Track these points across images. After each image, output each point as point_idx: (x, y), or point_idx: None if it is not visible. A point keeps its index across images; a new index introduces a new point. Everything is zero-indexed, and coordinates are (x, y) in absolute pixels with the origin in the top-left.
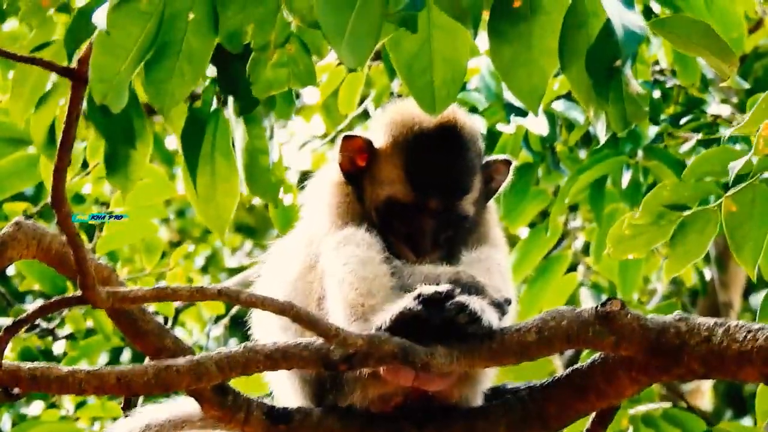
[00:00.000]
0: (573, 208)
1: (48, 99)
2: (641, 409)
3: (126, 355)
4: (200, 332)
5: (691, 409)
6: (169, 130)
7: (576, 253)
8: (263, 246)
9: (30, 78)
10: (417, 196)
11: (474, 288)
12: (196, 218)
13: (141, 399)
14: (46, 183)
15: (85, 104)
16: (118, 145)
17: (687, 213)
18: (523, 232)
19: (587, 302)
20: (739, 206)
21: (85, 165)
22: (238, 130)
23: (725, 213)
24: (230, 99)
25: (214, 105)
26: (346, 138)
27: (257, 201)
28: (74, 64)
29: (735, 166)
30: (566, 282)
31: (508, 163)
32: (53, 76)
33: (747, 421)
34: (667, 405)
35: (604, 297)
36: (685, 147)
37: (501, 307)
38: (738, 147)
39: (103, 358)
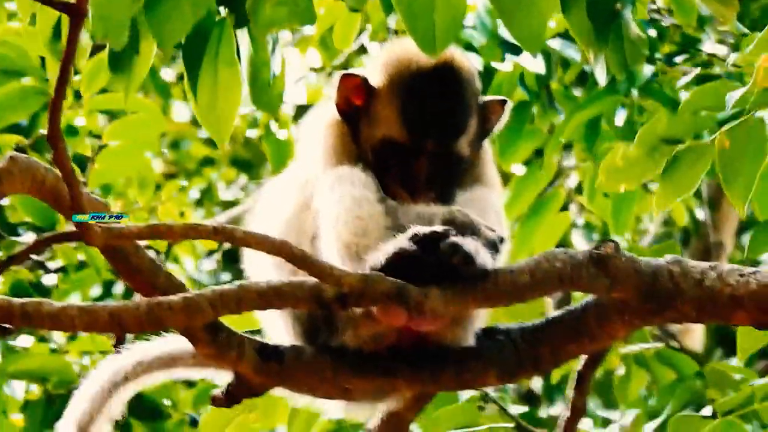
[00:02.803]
0: (567, 147)
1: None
2: (633, 348)
3: (118, 288)
4: (193, 266)
5: (683, 350)
6: (165, 60)
7: (569, 191)
8: (258, 180)
9: (46, 12)
10: (413, 136)
11: (469, 227)
12: (191, 150)
13: (132, 336)
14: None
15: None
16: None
17: (680, 147)
18: (517, 169)
19: (579, 241)
20: (733, 142)
21: (77, 96)
22: (242, 40)
23: (718, 148)
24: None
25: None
26: (343, 76)
27: (253, 134)
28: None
29: (732, 98)
30: (559, 220)
31: (504, 103)
32: None
33: (736, 361)
34: (660, 345)
35: (596, 236)
36: (683, 81)
37: (495, 246)
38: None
39: (94, 291)
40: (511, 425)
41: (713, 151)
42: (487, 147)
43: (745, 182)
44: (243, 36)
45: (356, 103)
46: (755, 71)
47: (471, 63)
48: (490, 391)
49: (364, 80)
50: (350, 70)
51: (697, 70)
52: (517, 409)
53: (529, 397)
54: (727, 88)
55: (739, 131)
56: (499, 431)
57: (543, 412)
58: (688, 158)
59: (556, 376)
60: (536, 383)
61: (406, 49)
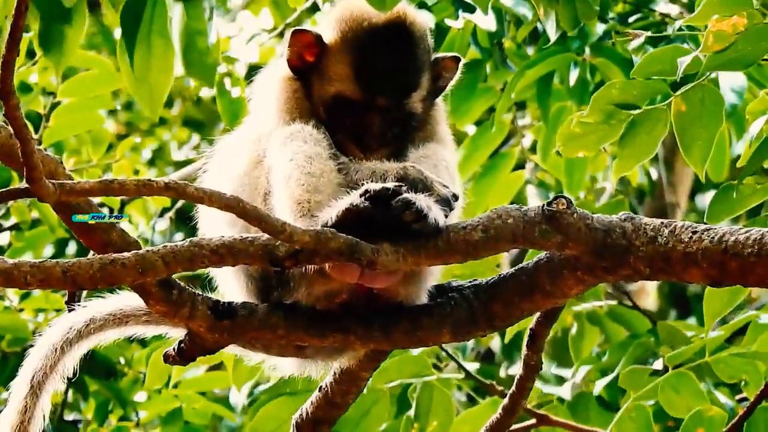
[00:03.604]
0: (521, 106)
1: None
2: (586, 306)
3: (71, 247)
4: (146, 225)
5: (636, 308)
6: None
7: (523, 150)
8: (210, 140)
9: None
10: (365, 93)
11: (421, 184)
12: (143, 110)
13: (85, 293)
14: None
15: None
16: (54, 21)
17: (636, 112)
18: (471, 129)
19: (534, 200)
20: (688, 106)
21: (31, 55)
22: (176, 11)
23: (675, 112)
24: None
25: None
26: (295, 32)
27: (205, 94)
28: None
29: (683, 62)
30: (513, 179)
31: (456, 60)
32: None
33: (691, 322)
34: (613, 303)
35: (551, 195)
36: (634, 44)
37: (448, 203)
38: (686, 46)
39: (48, 250)
40: (461, 376)
41: (669, 115)
42: (440, 104)
43: (704, 145)
44: (176, 6)
45: (309, 59)
46: (705, 35)
47: (423, 20)
48: (448, 349)
49: (317, 36)
50: (303, 27)
51: (648, 33)
52: (472, 366)
53: (487, 357)
54: (679, 52)
55: (694, 95)
56: (450, 381)
57: (502, 372)
58: (646, 124)
59: (509, 334)
60: (495, 343)
61: (359, 5)
